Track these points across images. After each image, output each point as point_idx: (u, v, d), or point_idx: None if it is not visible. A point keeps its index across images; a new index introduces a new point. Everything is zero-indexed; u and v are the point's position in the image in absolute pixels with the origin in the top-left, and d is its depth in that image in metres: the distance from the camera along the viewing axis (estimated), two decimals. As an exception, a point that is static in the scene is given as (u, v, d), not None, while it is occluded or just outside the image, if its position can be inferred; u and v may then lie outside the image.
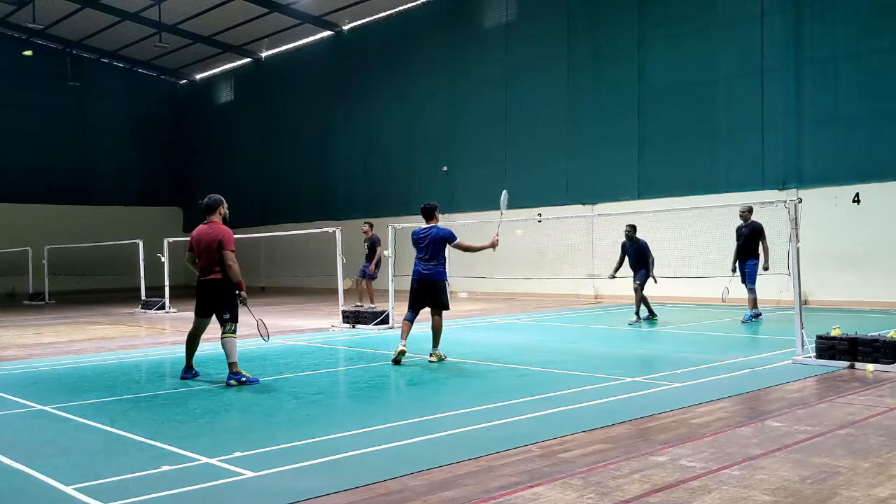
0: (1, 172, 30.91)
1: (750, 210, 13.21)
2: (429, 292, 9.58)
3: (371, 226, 16.93)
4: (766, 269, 12.87)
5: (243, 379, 8.07)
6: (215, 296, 8.32)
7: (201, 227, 8.49)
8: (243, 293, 8.29)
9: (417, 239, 9.62)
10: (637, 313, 13.64)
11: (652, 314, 13.98)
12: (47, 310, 21.46)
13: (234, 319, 8.28)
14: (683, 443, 5.31)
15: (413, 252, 9.70)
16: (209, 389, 7.90)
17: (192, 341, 8.61)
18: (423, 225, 9.71)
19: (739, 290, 13.31)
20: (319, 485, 4.50)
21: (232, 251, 8.25)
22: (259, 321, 8.57)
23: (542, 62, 22.07)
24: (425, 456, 5.09)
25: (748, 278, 13.13)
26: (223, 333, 8.22)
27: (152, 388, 8.09)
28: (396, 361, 9.30)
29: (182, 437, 5.77)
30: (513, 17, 22.98)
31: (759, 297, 13.44)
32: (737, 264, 13.31)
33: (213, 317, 8.52)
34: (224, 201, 8.63)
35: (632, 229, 13.81)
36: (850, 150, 16.43)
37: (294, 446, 5.43)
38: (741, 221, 13.33)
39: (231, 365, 8.13)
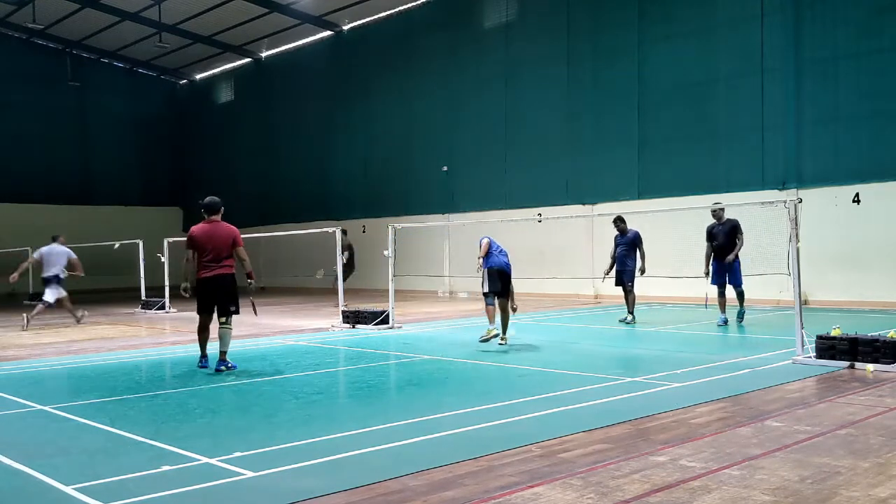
0: (1, 172, 30.89)
1: (723, 208, 12.86)
2: (506, 282, 10.88)
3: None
4: (729, 261, 12.55)
5: (230, 365, 8.90)
6: (228, 288, 9.03)
7: (204, 225, 9.08)
8: (254, 281, 9.25)
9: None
10: (631, 312, 13.64)
11: (630, 315, 13.91)
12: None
13: (237, 311, 9.12)
14: (683, 443, 5.31)
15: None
16: (209, 389, 7.91)
17: (204, 334, 9.25)
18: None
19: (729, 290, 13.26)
20: (319, 485, 4.51)
21: (242, 245, 9.20)
22: (253, 302, 9.60)
23: (542, 62, 22.05)
24: (425, 456, 5.09)
25: (736, 277, 12.79)
26: (225, 324, 9.00)
27: (152, 388, 8.10)
28: (486, 340, 10.53)
29: (182, 437, 5.77)
30: (512, 17, 22.97)
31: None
32: (713, 264, 12.86)
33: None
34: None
35: (622, 220, 13.74)
36: (850, 150, 16.42)
37: (294, 446, 5.44)
38: (714, 220, 12.91)
39: (223, 353, 8.92)
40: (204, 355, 9.19)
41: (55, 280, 15.97)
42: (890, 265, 15.59)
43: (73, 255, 16.33)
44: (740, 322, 12.96)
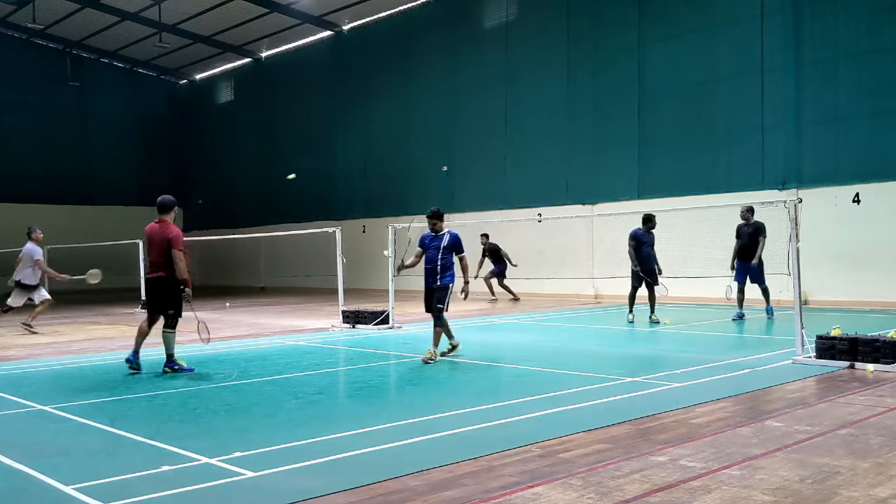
0: (1, 172, 30.90)
1: (751, 210, 13.55)
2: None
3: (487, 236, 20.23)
4: (755, 264, 13.30)
5: (176, 367, 8.87)
6: (161, 294, 8.92)
7: (153, 224, 9.03)
8: (188, 290, 8.91)
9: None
10: (654, 310, 13.77)
11: (630, 314, 14.02)
12: (47, 310, 21.39)
13: (178, 315, 8.98)
14: (683, 443, 5.31)
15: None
16: (209, 389, 7.90)
17: (138, 336, 9.13)
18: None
19: (749, 289, 13.82)
20: (319, 485, 4.50)
21: (180, 250, 8.78)
22: (200, 322, 9.30)
23: (542, 62, 22.05)
24: (425, 456, 5.09)
25: (758, 277, 13.55)
26: (164, 328, 8.91)
27: (152, 388, 8.09)
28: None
29: (182, 437, 5.77)
30: (512, 17, 22.96)
31: (761, 297, 13.66)
32: (736, 262, 13.67)
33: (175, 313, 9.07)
34: (176, 203, 9.19)
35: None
36: (850, 150, 16.42)
37: (294, 446, 5.43)
38: (742, 221, 13.70)
39: (169, 356, 8.93)
40: (135, 351, 9.00)
41: (24, 286, 14.51)
42: (890, 265, 15.59)
43: (36, 256, 14.70)
44: (770, 318, 13.54)
